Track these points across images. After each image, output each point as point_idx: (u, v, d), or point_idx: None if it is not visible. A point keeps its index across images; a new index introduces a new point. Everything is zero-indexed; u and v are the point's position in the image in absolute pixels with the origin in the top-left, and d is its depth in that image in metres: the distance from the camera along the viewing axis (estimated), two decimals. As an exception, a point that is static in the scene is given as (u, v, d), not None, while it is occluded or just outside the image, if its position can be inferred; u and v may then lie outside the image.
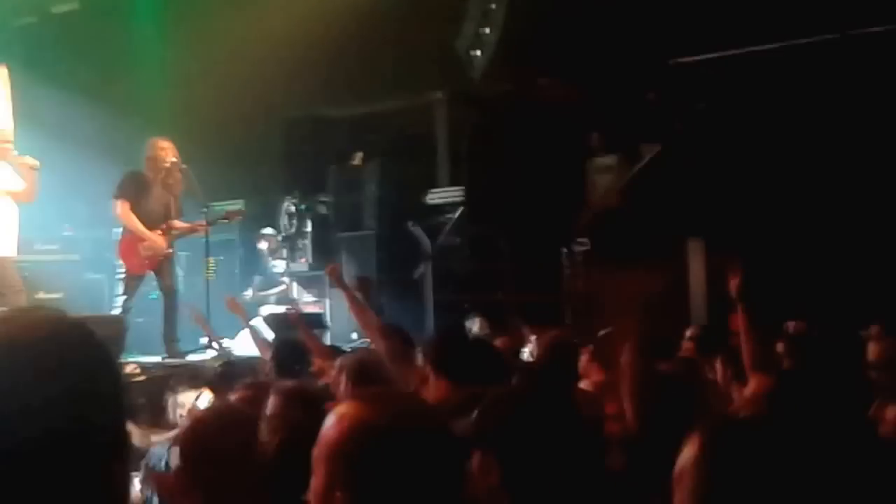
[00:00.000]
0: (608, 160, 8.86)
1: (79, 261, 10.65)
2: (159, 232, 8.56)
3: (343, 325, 9.09)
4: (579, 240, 8.31)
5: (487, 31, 9.09)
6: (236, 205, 9.95)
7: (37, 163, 7.86)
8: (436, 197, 9.25)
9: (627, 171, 8.83)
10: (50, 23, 12.22)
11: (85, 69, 11.58)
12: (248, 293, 10.08)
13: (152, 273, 8.65)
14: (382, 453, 1.83)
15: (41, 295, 9.94)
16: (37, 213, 10.70)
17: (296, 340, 5.98)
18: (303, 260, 10.17)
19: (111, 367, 1.59)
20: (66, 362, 1.51)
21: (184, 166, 8.55)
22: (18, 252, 9.62)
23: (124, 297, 8.61)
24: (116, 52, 11.34)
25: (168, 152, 8.50)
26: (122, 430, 1.59)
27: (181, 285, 9.47)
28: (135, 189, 8.48)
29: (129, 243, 8.56)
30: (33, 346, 1.51)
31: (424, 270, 8.95)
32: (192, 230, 8.83)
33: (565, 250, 8.33)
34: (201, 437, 2.70)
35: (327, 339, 8.40)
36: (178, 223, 8.71)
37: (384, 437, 1.85)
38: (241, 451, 2.65)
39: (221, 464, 2.63)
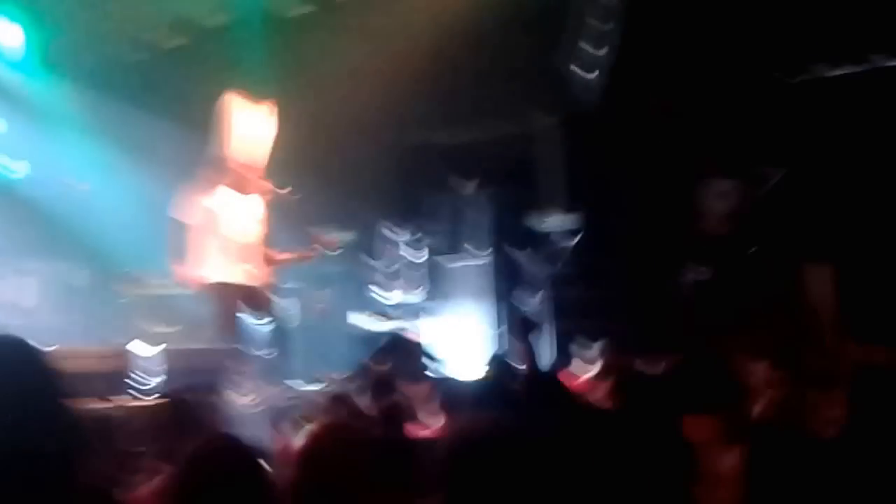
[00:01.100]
0: (725, 184, 8.73)
1: (193, 294, 10.96)
2: (260, 260, 8.76)
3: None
4: (696, 267, 8.20)
5: (601, 52, 9.10)
6: (343, 235, 10.15)
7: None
8: (549, 224, 9.26)
9: (745, 195, 8.68)
10: (161, 58, 12.67)
11: (194, 102, 11.94)
12: (359, 324, 10.22)
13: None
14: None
15: (160, 328, 10.25)
16: (151, 247, 11.10)
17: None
18: (414, 290, 10.26)
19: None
20: None
21: (291, 193, 8.74)
22: (136, 285, 10.00)
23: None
24: (225, 84, 11.65)
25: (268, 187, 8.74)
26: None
27: (293, 319, 9.68)
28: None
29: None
30: None
31: (530, 298, 8.94)
32: (299, 259, 9.00)
33: (682, 277, 8.22)
34: (317, 453, 2.79)
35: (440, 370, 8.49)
36: (282, 254, 8.90)
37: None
38: (354, 469, 2.72)
39: (335, 480, 2.71)
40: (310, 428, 2.98)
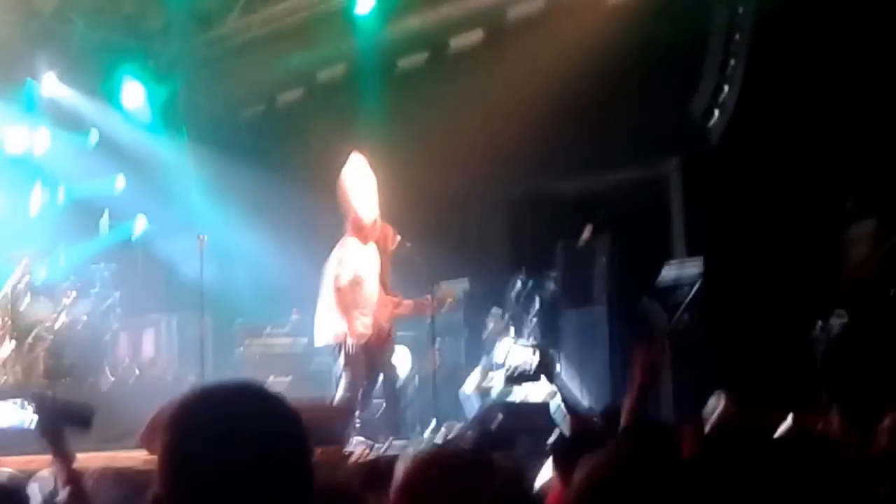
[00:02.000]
0: (866, 225, 8.37)
1: (307, 345, 11.08)
2: (382, 311, 8.84)
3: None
4: (837, 312, 7.85)
5: (725, 90, 8.97)
6: (461, 284, 10.17)
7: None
8: (671, 271, 9.06)
9: (888, 236, 8.31)
10: (276, 111, 13.03)
11: (311, 155, 12.21)
12: (475, 374, 10.12)
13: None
14: None
15: (271, 379, 10.40)
16: (267, 298, 11.31)
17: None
18: (534, 339, 10.15)
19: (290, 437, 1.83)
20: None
21: (408, 244, 8.83)
22: (251, 337, 10.17)
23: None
24: (340, 136, 11.86)
25: (385, 234, 8.83)
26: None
27: (408, 370, 9.71)
28: None
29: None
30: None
31: (660, 348, 8.70)
32: (416, 311, 9.05)
33: (820, 324, 7.88)
34: (424, 479, 2.79)
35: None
36: (402, 305, 8.95)
37: None
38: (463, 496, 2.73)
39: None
40: (414, 454, 2.91)
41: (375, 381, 8.91)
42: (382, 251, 8.94)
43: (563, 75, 9.96)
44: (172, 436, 1.81)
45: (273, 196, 11.97)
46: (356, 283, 8.58)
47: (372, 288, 8.70)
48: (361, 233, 8.66)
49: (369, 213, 8.70)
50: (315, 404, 8.80)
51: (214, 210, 12.03)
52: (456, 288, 10.22)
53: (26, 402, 5.89)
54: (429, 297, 9.13)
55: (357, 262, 8.64)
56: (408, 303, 9.05)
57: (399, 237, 8.92)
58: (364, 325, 8.62)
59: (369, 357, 8.77)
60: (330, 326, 8.64)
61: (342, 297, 8.55)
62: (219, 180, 12.40)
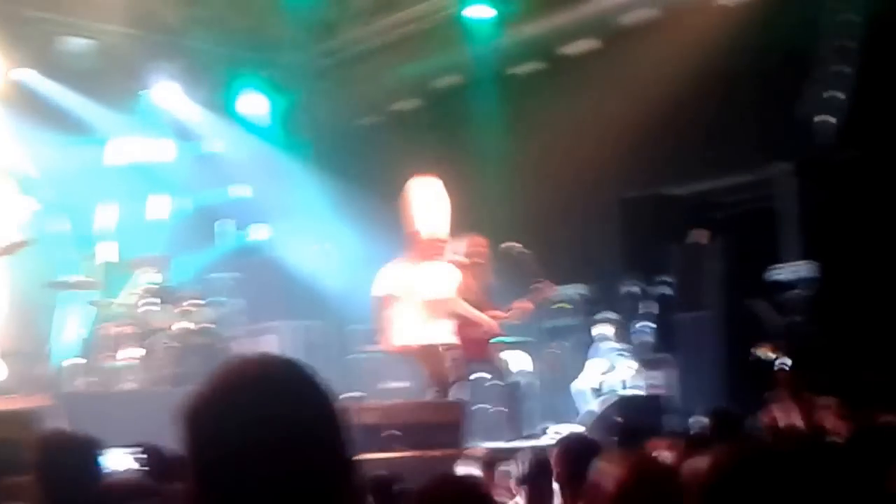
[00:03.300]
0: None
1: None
2: (490, 318, 9.41)
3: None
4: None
5: (838, 94, 9.23)
6: (573, 288, 10.68)
7: (467, 260, 9.15)
8: (784, 273, 9.38)
9: None
10: (392, 120, 13.74)
11: (425, 161, 12.87)
12: (589, 372, 10.64)
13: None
14: None
15: (390, 384, 11.06)
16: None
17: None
18: (647, 342, 10.60)
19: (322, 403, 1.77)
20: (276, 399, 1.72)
21: (525, 251, 9.39)
22: (370, 342, 10.81)
23: (458, 383, 9.45)
24: (455, 143, 12.55)
25: (479, 249, 9.43)
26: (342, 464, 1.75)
27: (524, 374, 10.22)
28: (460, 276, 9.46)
29: (463, 329, 9.45)
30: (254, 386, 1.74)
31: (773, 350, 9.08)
32: (520, 313, 9.57)
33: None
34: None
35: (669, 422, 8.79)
36: (502, 313, 9.54)
37: None
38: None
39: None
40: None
41: (491, 384, 9.55)
42: (475, 266, 9.58)
43: (675, 80, 10.41)
44: (194, 427, 1.78)
45: (388, 204, 12.63)
46: (423, 297, 8.96)
47: (441, 301, 9.05)
48: (425, 251, 9.08)
49: (431, 228, 9.11)
50: (433, 406, 9.47)
51: (334, 218, 12.71)
52: (559, 290, 10.68)
53: (137, 452, 6.39)
54: (532, 298, 9.65)
55: (423, 278, 9.03)
56: (511, 308, 9.66)
57: (514, 243, 9.54)
58: (437, 334, 9.02)
59: (482, 362, 9.45)
60: (407, 339, 9.10)
61: (414, 311, 9.02)
62: (337, 188, 13.16)
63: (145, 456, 4.99)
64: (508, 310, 9.60)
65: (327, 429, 1.76)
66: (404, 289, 8.98)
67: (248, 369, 1.80)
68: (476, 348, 9.46)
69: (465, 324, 9.42)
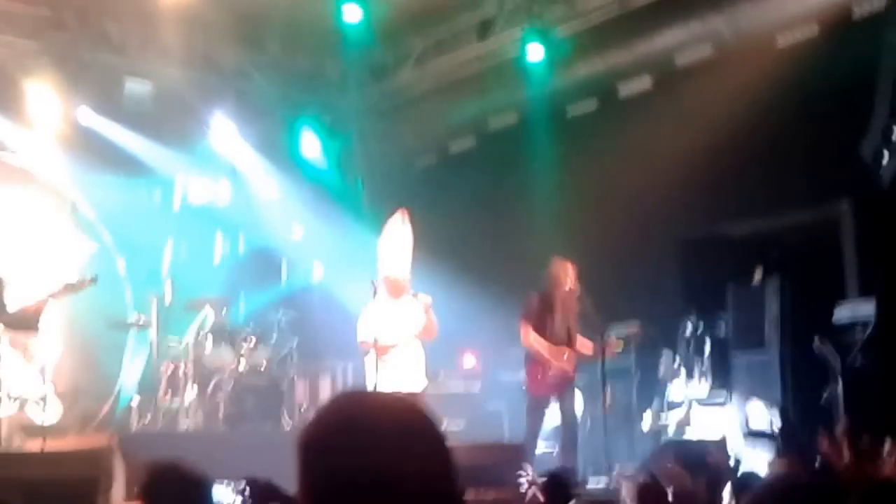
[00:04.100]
0: None
1: (479, 392, 11.86)
2: (565, 356, 9.46)
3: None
4: None
5: (896, 131, 9.26)
6: (631, 328, 10.75)
7: (429, 299, 9.04)
8: (844, 311, 9.38)
9: None
10: (448, 159, 13.97)
11: (481, 201, 13.09)
12: (647, 419, 10.70)
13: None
14: None
15: (445, 422, 11.18)
16: (439, 342, 12.11)
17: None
18: (705, 382, 10.64)
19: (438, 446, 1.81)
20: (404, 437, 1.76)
21: (583, 290, 9.49)
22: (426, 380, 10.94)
23: (531, 423, 9.53)
24: (511, 182, 12.71)
25: (568, 275, 9.50)
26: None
27: (580, 413, 10.30)
28: (538, 310, 9.51)
29: (535, 368, 9.51)
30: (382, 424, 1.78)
31: (834, 393, 9.09)
32: (597, 354, 9.63)
33: None
34: None
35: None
36: (582, 347, 9.59)
37: None
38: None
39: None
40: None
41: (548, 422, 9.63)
42: (567, 298, 9.63)
43: (732, 118, 10.47)
44: (309, 456, 1.81)
45: (445, 242, 12.84)
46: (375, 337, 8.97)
47: (399, 339, 9.10)
48: (391, 289, 9.16)
49: (397, 270, 9.22)
50: (490, 445, 9.59)
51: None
52: (626, 331, 10.77)
53: (236, 484, 6.50)
54: (599, 340, 9.71)
55: (388, 316, 9.08)
56: (587, 347, 9.68)
57: (573, 284, 9.61)
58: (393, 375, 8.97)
59: (550, 398, 9.54)
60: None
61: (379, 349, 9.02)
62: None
63: (248, 489, 5.14)
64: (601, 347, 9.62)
65: (440, 467, 1.79)
66: (379, 332, 9.00)
67: (366, 402, 1.87)
68: (546, 385, 9.52)
69: (535, 360, 9.51)
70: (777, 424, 9.07)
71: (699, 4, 10.96)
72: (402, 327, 9.06)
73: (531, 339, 9.52)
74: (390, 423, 1.79)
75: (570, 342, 9.62)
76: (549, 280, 9.67)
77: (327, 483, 1.75)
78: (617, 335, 10.21)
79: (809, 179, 10.35)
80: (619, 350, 10.10)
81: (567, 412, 9.62)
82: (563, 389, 9.57)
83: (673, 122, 11.22)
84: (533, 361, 9.59)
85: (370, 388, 8.68)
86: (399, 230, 9.45)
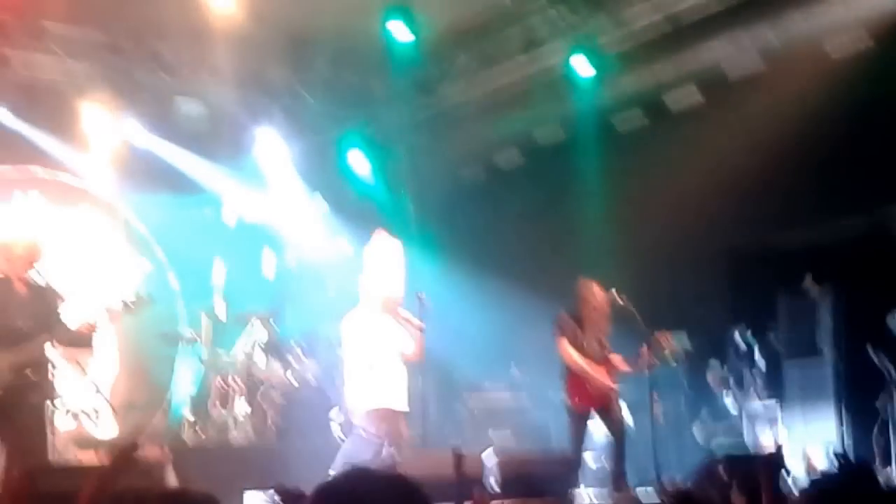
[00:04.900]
0: None
1: (525, 401, 11.81)
2: (603, 369, 9.44)
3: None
4: None
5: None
6: (682, 339, 10.65)
7: (421, 324, 9.00)
8: (897, 319, 9.27)
9: None
10: (494, 173, 13.97)
11: (527, 214, 13.06)
12: (697, 430, 10.59)
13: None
14: None
15: (490, 432, 11.15)
16: (485, 354, 12.09)
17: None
18: (759, 393, 10.53)
19: None
20: None
21: (623, 299, 9.44)
22: (470, 392, 10.93)
23: (574, 436, 9.49)
24: (558, 196, 12.67)
25: (594, 294, 9.47)
26: None
27: (627, 424, 10.23)
28: (571, 329, 9.50)
29: (576, 381, 9.48)
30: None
31: (888, 402, 8.96)
32: (634, 368, 9.58)
33: None
34: None
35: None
36: (619, 362, 9.54)
37: None
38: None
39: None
40: None
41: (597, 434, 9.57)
42: (596, 317, 9.61)
43: (783, 128, 10.42)
44: None
45: (491, 256, 12.84)
46: (379, 354, 8.82)
47: (386, 355, 8.90)
48: (384, 303, 8.96)
49: (391, 288, 9.02)
50: (539, 456, 9.57)
51: (435, 268, 12.91)
52: (675, 344, 10.66)
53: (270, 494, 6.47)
54: (643, 350, 9.66)
55: (378, 334, 8.91)
56: (623, 362, 9.65)
57: (615, 291, 9.61)
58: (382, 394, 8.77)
59: (592, 411, 9.50)
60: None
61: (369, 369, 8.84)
62: (440, 240, 13.40)
63: (280, 497, 5.13)
64: (636, 359, 9.59)
65: None
66: (366, 344, 8.89)
67: (368, 480, 1.98)
68: (589, 400, 9.50)
69: (575, 375, 9.49)
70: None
71: (748, 16, 10.86)
72: (393, 344, 8.94)
73: (570, 353, 9.48)
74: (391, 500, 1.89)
75: (604, 359, 9.58)
76: (576, 300, 9.64)
77: None
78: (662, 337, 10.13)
79: (861, 187, 10.24)
80: (671, 346, 9.99)
81: (612, 423, 9.56)
82: (604, 403, 9.51)
83: (722, 133, 11.17)
84: (573, 376, 9.55)
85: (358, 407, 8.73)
86: (387, 249, 9.38)
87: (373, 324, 8.88)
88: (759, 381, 10.28)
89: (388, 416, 8.68)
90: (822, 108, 10.26)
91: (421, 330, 9.00)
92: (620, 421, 9.62)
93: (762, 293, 10.74)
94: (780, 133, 10.44)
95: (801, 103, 10.35)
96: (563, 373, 9.65)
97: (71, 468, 8.89)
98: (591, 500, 8.93)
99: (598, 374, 9.44)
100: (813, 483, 7.04)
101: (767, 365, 10.31)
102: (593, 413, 9.58)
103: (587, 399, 9.48)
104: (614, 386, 9.58)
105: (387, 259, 9.19)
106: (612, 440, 9.59)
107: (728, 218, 11.23)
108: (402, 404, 8.90)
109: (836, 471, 7.03)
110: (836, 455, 7.45)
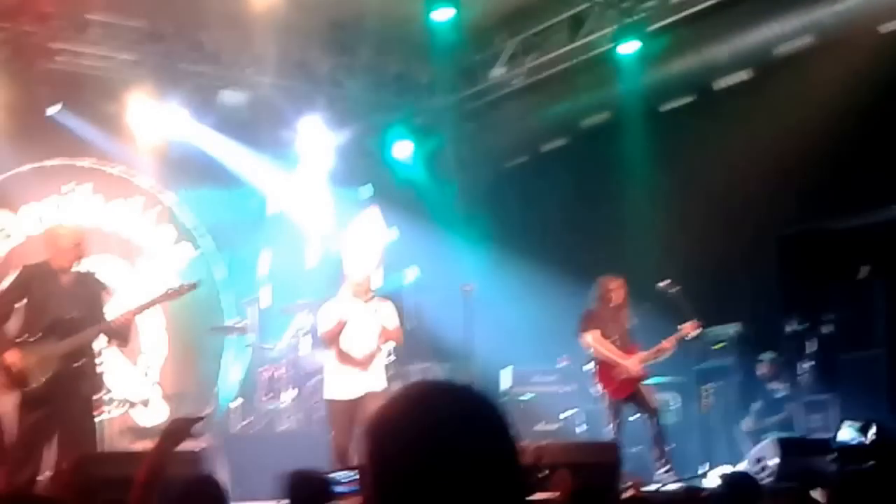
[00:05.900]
0: None
1: (573, 391, 11.73)
2: (633, 356, 9.47)
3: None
4: None
5: None
6: (727, 327, 10.58)
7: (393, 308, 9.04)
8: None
9: None
10: (539, 159, 13.88)
11: (573, 199, 12.98)
12: (748, 421, 10.48)
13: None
14: None
15: (539, 426, 11.11)
16: (535, 346, 12.04)
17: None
18: (805, 381, 10.40)
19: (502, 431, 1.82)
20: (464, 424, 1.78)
21: (675, 289, 9.40)
22: (519, 384, 10.92)
23: (613, 424, 9.48)
24: (603, 180, 12.57)
25: (614, 291, 9.46)
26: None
27: (677, 414, 10.16)
28: (597, 322, 9.53)
29: (605, 370, 9.53)
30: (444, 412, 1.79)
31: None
32: (659, 353, 9.55)
33: None
34: None
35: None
36: (642, 352, 9.55)
37: None
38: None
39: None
40: None
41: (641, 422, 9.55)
42: (616, 314, 9.61)
43: (834, 108, 10.19)
44: (375, 442, 1.81)
45: (536, 242, 12.76)
46: (337, 332, 8.77)
47: (361, 340, 8.84)
48: (353, 288, 8.92)
49: (360, 271, 9.00)
50: (586, 444, 9.56)
51: (482, 258, 12.87)
52: (725, 330, 10.61)
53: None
54: (673, 338, 9.65)
55: (341, 312, 8.84)
56: (648, 352, 9.65)
57: (665, 283, 9.58)
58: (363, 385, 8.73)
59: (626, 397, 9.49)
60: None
61: (327, 345, 8.90)
62: (485, 229, 13.34)
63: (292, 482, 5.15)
64: (657, 350, 9.62)
65: (508, 464, 1.80)
66: (347, 331, 8.83)
67: (434, 390, 1.88)
68: (622, 389, 9.53)
69: (607, 365, 9.52)
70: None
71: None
72: (371, 328, 8.90)
73: (599, 343, 9.51)
74: (458, 408, 1.80)
75: (627, 353, 9.60)
76: (596, 298, 9.64)
77: (393, 471, 1.76)
78: (717, 336, 10.09)
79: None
80: (710, 339, 9.94)
81: (646, 409, 9.58)
82: (636, 390, 9.52)
83: (771, 114, 11.00)
84: (604, 366, 9.58)
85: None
86: (367, 228, 9.27)
87: (335, 312, 8.85)
88: (813, 369, 10.14)
89: (342, 409, 8.64)
90: (874, 86, 10.08)
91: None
92: (654, 406, 9.60)
93: (814, 280, 10.58)
94: (831, 112, 10.22)
95: (853, 81, 10.15)
96: (594, 364, 9.66)
97: (122, 454, 8.96)
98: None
99: (625, 363, 9.43)
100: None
101: (821, 353, 10.17)
102: (628, 401, 9.59)
103: (621, 388, 9.52)
104: (643, 373, 9.60)
105: (359, 241, 9.26)
106: (648, 427, 9.58)
107: (777, 201, 11.06)
108: (378, 385, 8.81)
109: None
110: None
